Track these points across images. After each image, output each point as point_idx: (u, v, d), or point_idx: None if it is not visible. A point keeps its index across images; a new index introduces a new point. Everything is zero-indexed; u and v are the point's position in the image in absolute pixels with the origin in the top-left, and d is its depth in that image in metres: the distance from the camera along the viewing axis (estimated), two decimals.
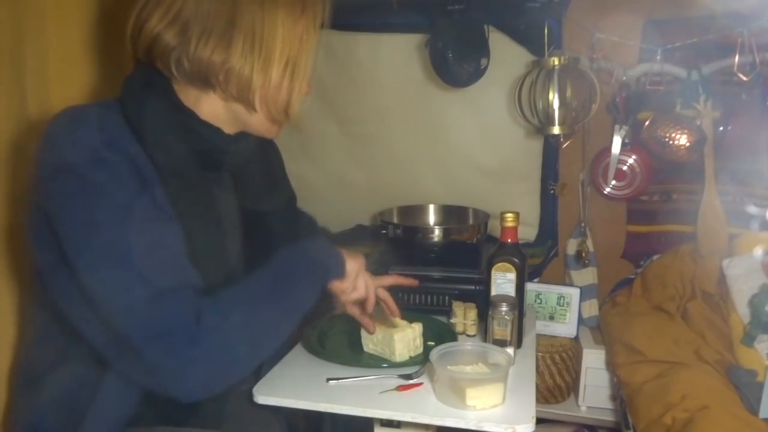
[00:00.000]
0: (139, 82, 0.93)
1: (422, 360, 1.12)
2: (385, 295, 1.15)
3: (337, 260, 1.03)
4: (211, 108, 0.95)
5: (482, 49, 1.60)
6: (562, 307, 1.70)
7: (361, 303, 1.11)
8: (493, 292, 1.20)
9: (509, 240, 1.20)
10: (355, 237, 1.89)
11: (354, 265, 1.05)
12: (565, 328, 1.70)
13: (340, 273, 1.03)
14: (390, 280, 1.19)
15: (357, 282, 1.06)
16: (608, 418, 1.64)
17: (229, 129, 0.98)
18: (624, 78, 1.60)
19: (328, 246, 1.03)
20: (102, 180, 0.82)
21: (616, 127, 1.67)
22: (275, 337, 0.92)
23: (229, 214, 1.03)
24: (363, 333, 1.18)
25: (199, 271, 0.88)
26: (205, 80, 0.91)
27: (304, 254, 0.99)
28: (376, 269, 1.51)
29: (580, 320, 1.73)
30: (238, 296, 0.88)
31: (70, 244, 0.82)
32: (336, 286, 1.04)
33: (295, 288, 0.94)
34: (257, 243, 1.07)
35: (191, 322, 0.80)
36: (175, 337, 0.79)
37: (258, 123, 0.98)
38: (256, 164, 1.11)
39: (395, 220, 1.73)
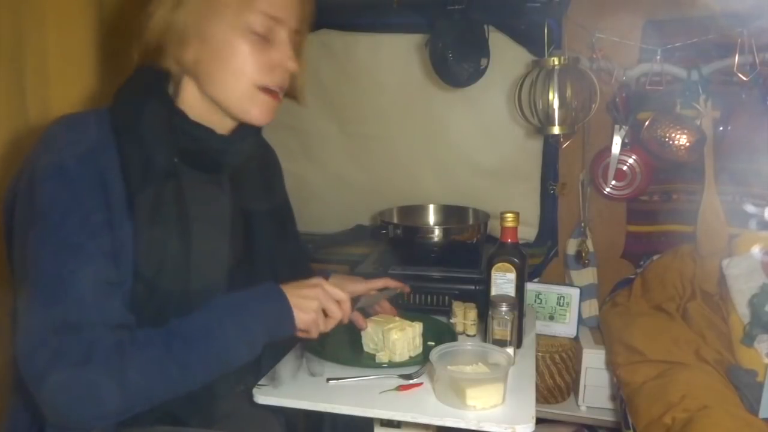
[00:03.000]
0: (132, 86, 0.93)
1: (422, 360, 1.12)
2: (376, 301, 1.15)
3: (285, 317, 0.94)
4: (203, 103, 0.95)
5: (482, 49, 1.60)
6: (562, 307, 1.70)
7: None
8: (493, 292, 1.20)
9: (509, 240, 1.20)
10: (355, 237, 1.90)
11: (306, 317, 0.95)
12: (565, 328, 1.70)
13: (288, 330, 0.95)
14: (380, 283, 1.19)
15: (322, 320, 0.98)
16: (608, 418, 1.64)
17: (222, 124, 0.98)
18: (624, 78, 1.60)
19: (276, 299, 0.95)
20: (53, 194, 0.81)
21: (616, 127, 1.67)
22: (180, 390, 0.86)
23: (221, 218, 1.01)
24: (363, 333, 1.18)
25: (170, 283, 0.88)
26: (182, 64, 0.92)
27: (246, 307, 0.92)
28: (376, 269, 1.52)
29: (580, 320, 1.73)
30: (160, 339, 0.85)
31: (15, 251, 0.84)
32: (301, 334, 0.98)
33: (227, 344, 0.89)
34: (248, 249, 1.05)
35: (87, 360, 0.79)
36: (62, 375, 0.78)
37: (230, 102, 0.94)
38: (253, 170, 1.09)
39: (395, 220, 1.73)
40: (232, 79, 0.92)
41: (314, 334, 0.99)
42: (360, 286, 1.18)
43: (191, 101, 0.95)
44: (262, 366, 1.08)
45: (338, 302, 1.00)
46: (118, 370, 0.81)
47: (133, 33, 0.92)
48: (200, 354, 0.87)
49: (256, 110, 0.95)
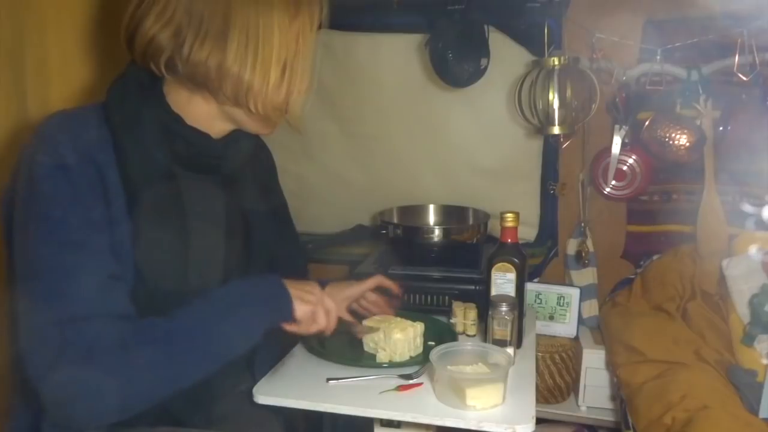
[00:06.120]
0: (125, 85, 0.92)
1: (422, 360, 1.12)
2: (373, 298, 1.17)
3: (284, 304, 0.97)
4: (204, 108, 0.94)
5: (482, 49, 1.61)
6: (562, 307, 1.70)
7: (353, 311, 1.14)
8: (493, 292, 1.20)
9: (509, 240, 1.20)
10: (355, 237, 1.89)
11: (305, 307, 0.98)
12: (565, 328, 1.70)
13: (286, 317, 0.98)
14: (372, 282, 1.20)
15: (316, 317, 1.01)
16: (608, 418, 1.64)
17: (220, 129, 0.97)
18: (624, 78, 1.60)
19: (276, 288, 0.97)
20: (53, 191, 0.81)
21: (616, 127, 1.67)
22: (186, 380, 0.87)
23: (218, 218, 1.01)
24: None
25: (168, 281, 0.88)
26: (200, 83, 0.90)
27: (247, 295, 0.94)
28: (376, 269, 1.52)
29: (580, 320, 1.73)
30: (162, 329, 0.85)
31: (14, 247, 0.84)
32: (291, 327, 1.00)
33: (228, 332, 0.90)
34: (245, 249, 1.05)
35: (91, 354, 0.79)
36: (67, 369, 0.78)
37: (253, 122, 0.97)
38: (249, 170, 1.09)
39: (395, 220, 1.73)
40: (262, 111, 0.94)
41: (306, 328, 1.00)
42: (355, 290, 1.19)
43: (184, 104, 0.94)
44: (262, 366, 1.08)
45: (327, 312, 1.02)
46: (123, 365, 0.81)
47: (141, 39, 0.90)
48: (202, 345, 0.87)
49: (269, 128, 1.00)
